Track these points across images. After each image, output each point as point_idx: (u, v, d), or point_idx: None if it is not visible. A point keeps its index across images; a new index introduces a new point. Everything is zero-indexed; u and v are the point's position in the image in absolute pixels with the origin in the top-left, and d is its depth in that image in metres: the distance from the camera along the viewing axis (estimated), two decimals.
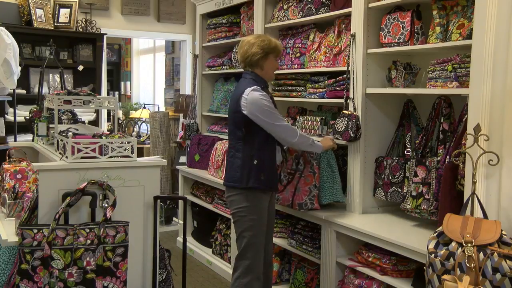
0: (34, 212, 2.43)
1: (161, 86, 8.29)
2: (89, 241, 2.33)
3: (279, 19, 3.88)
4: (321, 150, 3.10)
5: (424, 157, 2.80)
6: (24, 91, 5.47)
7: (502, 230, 2.03)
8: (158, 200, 2.66)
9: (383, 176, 3.05)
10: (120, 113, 7.93)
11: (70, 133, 2.61)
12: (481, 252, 1.98)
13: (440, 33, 2.67)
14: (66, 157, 2.54)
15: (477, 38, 2.26)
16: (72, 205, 2.38)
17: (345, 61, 3.21)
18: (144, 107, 8.28)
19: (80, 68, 5.76)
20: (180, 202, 5.31)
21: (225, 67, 4.62)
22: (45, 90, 5.39)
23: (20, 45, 5.22)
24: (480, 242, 1.99)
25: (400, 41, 2.88)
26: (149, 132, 6.70)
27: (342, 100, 3.21)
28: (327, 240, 3.08)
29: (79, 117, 4.23)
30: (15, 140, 4.89)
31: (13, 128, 5.06)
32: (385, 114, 3.20)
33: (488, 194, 2.22)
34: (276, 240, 3.46)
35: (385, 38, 2.99)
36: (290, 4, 3.80)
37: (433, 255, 2.08)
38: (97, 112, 5.94)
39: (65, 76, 5.30)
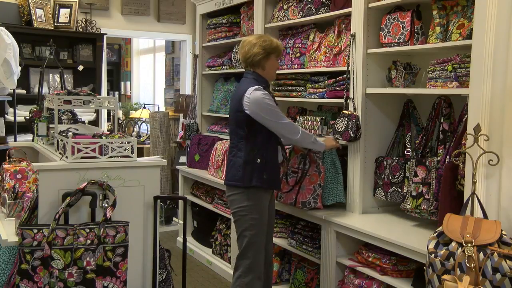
0: (34, 212, 2.43)
1: (161, 86, 8.29)
2: (89, 241, 2.33)
3: (279, 19, 3.88)
4: (323, 149, 3.12)
5: (424, 157, 2.80)
6: (24, 91, 5.47)
7: (502, 230, 2.03)
8: (158, 200, 2.66)
9: (383, 176, 3.05)
10: (120, 113, 7.93)
11: (70, 133, 2.61)
12: (481, 252, 1.98)
13: (440, 33, 2.67)
14: (66, 157, 2.54)
15: (477, 38, 2.26)
16: (72, 205, 2.38)
17: (345, 61, 3.22)
18: (144, 107, 8.28)
19: (80, 68, 5.76)
20: (180, 202, 5.31)
21: (225, 67, 4.62)
22: (45, 90, 5.40)
23: (20, 45, 5.22)
24: (480, 242, 1.99)
25: (400, 41, 2.88)
26: (149, 132, 6.70)
27: (342, 100, 3.21)
28: (327, 240, 3.08)
29: (79, 117, 4.23)
30: (15, 140, 4.89)
31: (13, 128, 5.06)
32: (385, 114, 3.20)
33: (488, 194, 2.22)
34: (276, 240, 3.46)
35: (385, 38, 2.99)
36: (290, 4, 3.81)
37: (433, 255, 2.08)
38: (97, 112, 5.94)
39: (65, 76, 5.30)
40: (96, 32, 5.93)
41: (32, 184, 2.92)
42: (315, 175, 3.18)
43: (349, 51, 3.15)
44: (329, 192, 3.24)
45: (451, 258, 2.02)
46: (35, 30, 5.49)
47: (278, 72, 3.25)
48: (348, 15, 3.22)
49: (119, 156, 2.59)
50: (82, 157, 2.52)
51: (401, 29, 2.87)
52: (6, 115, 5.20)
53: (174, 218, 5.90)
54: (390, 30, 2.95)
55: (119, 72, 9.77)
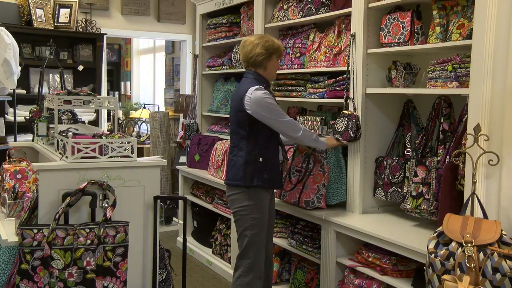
0: (34, 212, 2.43)
1: (161, 86, 8.29)
2: (89, 241, 2.33)
3: (279, 19, 3.88)
4: (325, 147, 3.13)
5: (424, 157, 2.80)
6: (24, 91, 5.47)
7: (502, 230, 2.03)
8: (158, 200, 2.66)
9: (383, 176, 3.05)
10: (120, 113, 7.93)
11: (70, 133, 2.61)
12: (481, 252, 1.98)
13: (440, 33, 2.67)
14: (66, 157, 2.54)
15: (477, 38, 2.26)
16: (72, 205, 2.38)
17: (345, 61, 3.22)
18: (144, 107, 8.28)
19: (80, 68, 5.76)
20: (180, 202, 5.31)
21: (225, 67, 4.62)
22: (45, 90, 5.40)
23: (20, 45, 5.22)
24: (480, 242, 1.99)
25: (400, 41, 2.88)
26: (149, 132, 6.70)
27: (342, 100, 3.21)
28: (327, 240, 3.08)
29: (79, 117, 4.23)
30: (15, 140, 4.89)
31: (13, 128, 5.06)
32: (385, 114, 3.20)
33: (488, 194, 2.22)
34: (276, 240, 3.46)
35: (385, 38, 2.99)
36: (290, 4, 3.81)
37: (433, 255, 2.08)
38: (97, 112, 5.94)
39: (65, 76, 5.30)
40: (96, 32, 5.93)
41: (32, 184, 2.92)
42: (319, 174, 3.18)
43: (349, 51, 3.15)
44: (334, 192, 3.25)
45: (451, 258, 2.02)
46: (35, 30, 5.49)
47: (278, 72, 3.26)
48: (348, 15, 3.22)
49: (119, 156, 2.59)
50: (82, 157, 2.52)
51: (401, 29, 2.87)
52: (6, 115, 5.20)
53: (174, 218, 5.90)
54: (390, 30, 2.95)
55: (119, 72, 9.77)
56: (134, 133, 2.93)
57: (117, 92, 9.49)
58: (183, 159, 5.19)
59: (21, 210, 2.61)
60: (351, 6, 3.16)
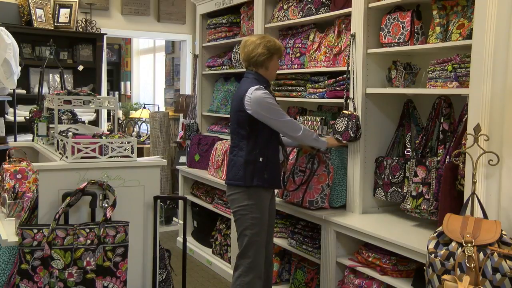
0: (34, 212, 2.43)
1: (161, 86, 8.29)
2: (89, 241, 2.33)
3: (279, 19, 3.88)
4: (325, 146, 3.13)
5: (424, 157, 2.80)
6: (24, 91, 5.47)
7: (502, 230, 2.03)
8: (158, 200, 2.66)
9: (383, 176, 3.05)
10: (120, 113, 7.93)
11: (70, 133, 2.61)
12: (481, 252, 1.98)
13: (440, 33, 2.67)
14: (66, 157, 2.54)
15: (477, 38, 2.26)
16: (72, 205, 2.38)
17: (345, 61, 3.22)
18: (144, 107, 8.28)
19: (80, 68, 5.76)
20: (180, 202, 5.31)
21: (225, 67, 4.62)
22: (45, 90, 5.39)
23: (20, 45, 5.22)
24: (480, 242, 1.99)
25: (400, 41, 2.88)
26: (149, 132, 6.70)
27: (342, 100, 3.21)
28: (327, 240, 3.08)
29: (79, 117, 4.23)
30: (15, 140, 4.89)
31: (13, 128, 5.06)
32: (385, 114, 3.20)
33: (488, 194, 2.22)
34: (276, 240, 3.46)
35: (385, 38, 2.99)
36: (290, 4, 3.81)
37: (433, 255, 2.08)
38: (97, 112, 5.94)
39: (65, 76, 5.30)
40: (96, 32, 5.93)
41: (32, 184, 2.92)
42: (324, 175, 3.18)
43: (349, 51, 3.15)
44: (338, 194, 3.25)
45: (451, 258, 2.02)
46: (35, 30, 5.49)
47: (278, 72, 3.27)
48: (348, 15, 3.22)
49: (119, 156, 2.59)
50: (82, 157, 2.52)
51: (401, 29, 2.87)
52: (6, 115, 5.20)
53: (174, 218, 5.90)
54: (390, 30, 2.95)
55: (119, 72, 9.76)
56: (134, 133, 2.93)
57: (117, 92, 9.49)
58: (183, 159, 5.19)
59: (21, 210, 2.61)
60: (351, 6, 3.16)
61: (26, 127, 4.68)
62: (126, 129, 7.83)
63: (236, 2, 4.41)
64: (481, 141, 2.21)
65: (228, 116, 3.92)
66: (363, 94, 3.11)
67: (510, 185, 2.18)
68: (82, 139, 2.57)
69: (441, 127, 2.74)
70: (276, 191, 3.28)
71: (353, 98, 3.15)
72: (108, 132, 2.85)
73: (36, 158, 3.47)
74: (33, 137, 3.55)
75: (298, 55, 3.69)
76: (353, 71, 3.13)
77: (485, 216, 2.14)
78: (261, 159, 2.91)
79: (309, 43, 3.63)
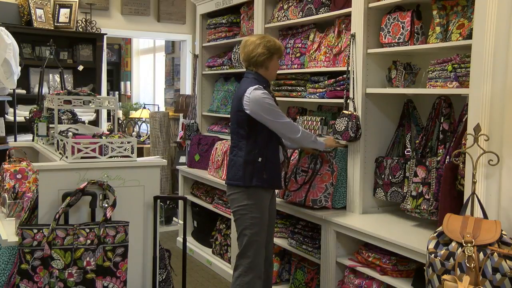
0: (34, 212, 2.43)
1: (161, 86, 8.29)
2: (89, 241, 2.33)
3: (279, 19, 3.88)
4: (324, 148, 3.13)
5: (424, 157, 2.80)
6: (24, 91, 5.47)
7: (502, 230, 2.03)
8: (158, 200, 2.66)
9: (383, 176, 3.05)
10: (120, 113, 7.93)
11: (70, 133, 2.61)
12: (481, 252, 1.98)
13: (440, 33, 2.67)
14: (66, 157, 2.54)
15: (477, 38, 2.26)
16: (72, 205, 2.38)
17: (345, 61, 3.22)
18: (144, 107, 8.28)
19: (80, 68, 5.76)
20: (180, 202, 5.31)
21: (225, 67, 4.62)
22: (45, 90, 5.39)
23: (20, 45, 5.22)
24: (480, 242, 1.99)
25: (400, 41, 2.88)
26: (149, 132, 6.70)
27: (342, 100, 3.21)
28: (327, 240, 3.08)
29: (79, 117, 4.23)
30: (15, 140, 4.89)
31: (13, 128, 5.06)
32: (385, 114, 3.20)
33: (488, 194, 2.22)
34: (276, 240, 3.46)
35: (385, 38, 2.99)
36: (290, 4, 3.81)
37: (433, 255, 2.08)
38: (97, 112, 5.94)
39: (65, 76, 5.30)
40: (96, 32, 5.93)
41: (32, 184, 2.92)
42: (327, 174, 3.18)
43: (349, 51, 3.15)
44: (340, 196, 3.24)
45: (451, 258, 2.02)
46: (35, 30, 5.49)
47: (278, 72, 3.26)
48: (348, 15, 3.22)
49: (119, 156, 2.59)
50: (82, 157, 2.52)
51: (401, 29, 2.87)
52: (6, 115, 5.20)
53: (174, 218, 5.90)
54: (390, 30, 2.95)
55: (119, 72, 9.76)
56: (134, 133, 2.93)
57: (117, 92, 9.49)
58: (183, 159, 5.19)
59: (21, 210, 2.61)
60: (351, 6, 3.16)
61: (26, 127, 4.68)
62: (126, 129, 7.83)
63: (236, 2, 4.41)
64: (481, 141, 2.21)
65: (228, 116, 3.92)
66: (363, 94, 3.11)
67: (510, 185, 2.18)
68: (82, 139, 2.57)
69: (441, 127, 2.74)
70: (277, 191, 3.28)
71: (353, 98, 3.14)
72: (108, 132, 2.85)
73: (36, 158, 3.47)
74: (33, 137, 3.55)
75: (298, 55, 3.69)
76: (353, 71, 3.13)
77: (485, 216, 2.14)
78: (260, 159, 2.91)
79: (309, 43, 3.63)
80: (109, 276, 2.35)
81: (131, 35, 7.45)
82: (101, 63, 6.03)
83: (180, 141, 5.36)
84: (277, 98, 3.35)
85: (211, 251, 4.52)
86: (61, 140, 2.70)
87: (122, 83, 9.67)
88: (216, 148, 4.34)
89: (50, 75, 5.70)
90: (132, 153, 2.62)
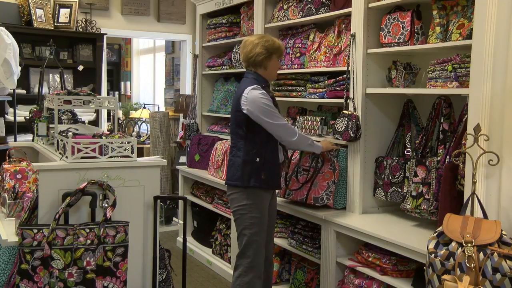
0: (34, 212, 2.43)
1: (161, 86, 8.29)
2: (89, 241, 2.33)
3: (279, 19, 3.88)
4: (320, 151, 3.12)
5: (424, 157, 2.80)
6: (24, 91, 5.47)
7: (502, 230, 2.03)
8: (158, 200, 2.66)
9: (383, 176, 3.05)
10: (120, 113, 7.93)
11: (70, 133, 2.61)
12: (481, 252, 1.98)
13: (440, 33, 2.67)
14: (66, 157, 2.54)
15: (477, 38, 2.26)
16: (72, 205, 2.38)
17: (345, 61, 3.21)
18: (144, 107, 8.28)
19: (80, 68, 5.76)
20: (180, 202, 5.31)
21: (225, 67, 4.62)
22: (45, 90, 5.39)
23: (20, 45, 5.22)
24: (480, 242, 1.99)
25: (400, 41, 2.88)
26: (149, 132, 6.70)
27: (342, 100, 3.21)
28: (327, 240, 3.08)
29: (79, 117, 4.23)
30: (15, 140, 4.89)
31: (13, 128, 5.06)
32: (385, 114, 3.20)
33: (488, 194, 2.22)
34: (276, 240, 3.46)
35: (385, 38, 2.99)
36: (290, 4, 3.81)
37: (433, 255, 2.08)
38: (97, 112, 5.94)
39: (65, 76, 5.30)
40: (96, 32, 5.93)
41: (32, 184, 2.92)
42: (329, 172, 3.18)
43: (349, 51, 3.15)
44: (341, 196, 3.24)
45: (451, 258, 2.02)
46: (35, 30, 5.49)
47: (278, 72, 3.25)
48: (348, 15, 3.22)
49: (119, 156, 2.59)
50: (82, 157, 2.52)
51: (401, 29, 2.87)
52: (6, 115, 5.20)
53: (174, 218, 5.90)
54: (390, 30, 2.95)
55: (119, 72, 9.76)
56: (134, 133, 2.93)
57: (117, 92, 9.49)
58: (183, 159, 5.19)
59: (21, 210, 2.61)
60: (351, 6, 3.16)
61: (26, 127, 4.68)
62: (126, 129, 7.83)
63: (236, 2, 4.41)
64: (481, 141, 2.21)
65: (228, 116, 3.92)
66: (363, 94, 3.11)
67: (510, 185, 2.18)
68: (82, 139, 2.57)
69: (441, 127, 2.74)
70: (278, 190, 3.27)
71: (353, 98, 3.14)
72: (108, 132, 2.84)
73: (36, 158, 3.47)
74: (33, 137, 3.55)
75: (298, 55, 3.69)
76: (353, 71, 3.13)
77: (485, 216, 2.14)
78: (258, 159, 2.90)
79: (309, 43, 3.63)
80: (109, 276, 2.35)
81: (131, 35, 7.45)
82: (101, 63, 6.03)
83: (180, 141, 5.36)
84: (277, 98, 3.36)
85: (211, 251, 4.52)
86: (61, 140, 2.70)
87: (122, 83, 9.67)
88: (216, 148, 4.34)
89: (50, 75, 5.70)
90: (132, 153, 2.62)
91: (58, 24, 5.69)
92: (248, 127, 2.91)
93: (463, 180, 2.39)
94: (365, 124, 3.12)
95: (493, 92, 2.20)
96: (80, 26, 5.87)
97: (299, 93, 3.66)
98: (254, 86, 2.89)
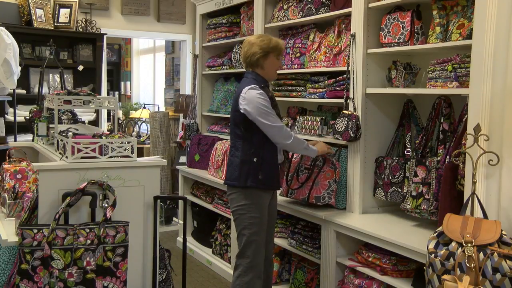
0: (34, 212, 2.43)
1: (161, 86, 8.29)
2: (89, 241, 2.33)
3: (279, 19, 3.88)
4: (316, 155, 3.10)
5: (424, 157, 2.80)
6: (24, 91, 5.47)
7: (502, 230, 2.03)
8: (158, 200, 2.66)
9: (383, 176, 3.05)
10: (120, 113, 7.93)
11: (70, 133, 2.61)
12: (481, 252, 1.98)
13: (440, 33, 2.67)
14: (66, 157, 2.54)
15: (477, 38, 2.26)
16: (72, 205, 2.38)
17: (345, 61, 3.21)
18: (144, 107, 8.28)
19: (80, 68, 5.76)
20: (180, 202, 5.31)
21: (225, 67, 4.62)
22: (45, 90, 5.39)
23: (20, 45, 5.22)
24: (480, 242, 1.99)
25: (400, 41, 2.88)
26: (149, 132, 6.70)
27: (342, 100, 3.21)
28: (327, 240, 3.08)
29: (79, 117, 4.23)
30: (15, 140, 4.89)
31: (13, 128, 5.06)
32: (385, 114, 3.20)
33: (488, 194, 2.22)
34: (276, 240, 3.45)
35: (385, 38, 2.99)
36: (290, 4, 3.81)
37: (433, 255, 2.08)
38: (97, 112, 5.94)
39: (65, 76, 5.30)
40: (96, 32, 5.93)
41: (32, 184, 2.92)
42: (330, 171, 3.18)
43: (349, 51, 3.15)
44: (344, 196, 3.24)
45: (451, 258, 2.02)
46: (35, 30, 5.49)
47: (278, 72, 3.23)
48: (348, 15, 3.22)
49: (119, 156, 2.59)
50: (82, 157, 2.52)
51: (401, 29, 2.87)
52: (6, 115, 5.20)
53: (174, 218, 5.90)
54: (390, 30, 2.95)
55: (119, 72, 9.76)
56: (134, 133, 2.93)
57: (117, 92, 9.49)
58: (183, 159, 5.19)
59: (21, 210, 2.61)
60: (351, 6, 3.16)
61: (26, 127, 4.68)
62: (126, 129, 7.83)
63: (236, 2, 4.41)
64: (481, 141, 2.21)
65: (228, 116, 3.92)
66: (363, 94, 3.11)
67: (510, 185, 2.18)
68: (82, 139, 2.57)
69: (441, 127, 2.74)
70: (280, 190, 3.26)
71: (353, 98, 3.14)
72: (108, 132, 2.85)
73: (36, 158, 3.47)
74: (33, 137, 3.55)
75: (298, 55, 3.69)
76: (353, 71, 3.13)
77: (485, 216, 2.14)
78: (255, 159, 2.90)
79: (309, 43, 3.63)
80: (109, 276, 2.35)
81: (131, 35, 7.45)
82: (101, 63, 6.03)
83: (180, 141, 5.36)
84: (277, 98, 3.35)
85: (211, 251, 4.52)
86: (61, 140, 2.70)
87: (122, 83, 9.67)
88: (216, 148, 4.34)
89: (50, 75, 5.70)
90: (132, 153, 2.62)
91: (58, 24, 5.69)
92: (246, 127, 2.91)
93: (463, 180, 2.39)
94: (365, 124, 3.12)
95: (493, 92, 2.20)
96: (80, 26, 5.87)
97: (299, 93, 3.66)
98: (252, 86, 2.89)
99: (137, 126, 8.00)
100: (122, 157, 2.60)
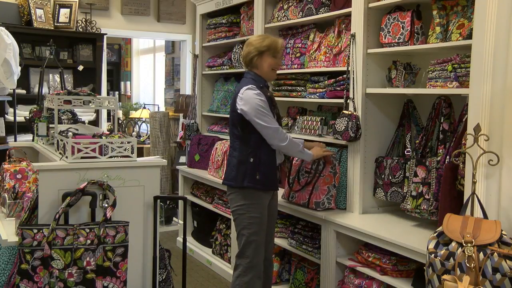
0: (34, 212, 2.43)
1: (161, 86, 8.29)
2: (89, 241, 2.33)
3: (279, 19, 3.88)
4: (311, 159, 3.08)
5: (424, 157, 2.80)
6: (24, 91, 5.47)
7: (502, 230, 2.03)
8: (158, 200, 2.66)
9: (383, 176, 3.05)
10: (120, 113, 7.93)
11: (70, 133, 2.61)
12: (481, 252, 1.98)
13: (440, 33, 2.67)
14: (66, 157, 2.54)
15: (477, 38, 2.26)
16: (72, 205, 2.38)
17: (345, 61, 3.21)
18: (144, 107, 8.28)
19: (80, 68, 5.76)
20: (180, 202, 5.31)
21: (225, 67, 4.62)
22: (45, 90, 5.40)
23: (20, 45, 5.22)
24: (480, 242, 1.99)
25: (400, 41, 2.88)
26: (149, 132, 6.70)
27: (342, 100, 3.21)
28: (327, 240, 3.08)
29: (79, 117, 4.23)
30: (15, 140, 4.89)
31: (13, 128, 5.06)
32: (385, 114, 3.20)
33: (488, 194, 2.22)
34: (276, 240, 3.45)
35: (385, 38, 2.99)
36: (290, 4, 3.81)
37: (433, 255, 2.08)
38: (97, 112, 5.94)
39: (65, 76, 5.30)
40: (96, 32, 5.93)
41: (32, 184, 2.92)
42: (330, 175, 3.18)
43: (349, 51, 3.15)
44: (344, 196, 3.24)
45: (451, 258, 2.02)
46: (35, 30, 5.49)
47: (278, 72, 3.21)
48: (348, 15, 3.22)
49: (119, 156, 2.59)
50: (82, 157, 2.52)
51: (401, 29, 2.87)
52: (6, 115, 5.20)
53: (174, 218, 5.90)
54: (390, 30, 2.95)
55: (119, 72, 9.76)
56: (134, 133, 2.93)
57: (117, 92, 9.49)
58: (183, 159, 5.19)
59: (21, 210, 2.61)
60: (351, 6, 3.16)
61: (26, 127, 4.68)
62: (126, 129, 7.83)
63: (236, 2, 4.41)
64: (481, 141, 2.20)
65: (228, 116, 3.92)
66: (363, 94, 3.11)
67: (510, 185, 2.18)
68: (82, 139, 2.57)
69: (441, 127, 2.74)
70: (282, 191, 3.26)
71: (353, 98, 3.14)
72: (108, 132, 2.84)
73: (36, 158, 3.47)
74: (33, 137, 3.55)
75: (298, 55, 3.69)
76: (353, 71, 3.13)
77: (485, 216, 2.14)
78: (252, 159, 2.89)
79: (309, 43, 3.63)
80: (109, 276, 2.35)
81: (131, 35, 7.45)
82: (101, 63, 6.03)
83: (180, 141, 5.36)
84: (277, 98, 3.36)
85: (211, 251, 4.52)
86: (61, 140, 2.70)
87: (122, 83, 9.67)
88: (216, 148, 4.34)
89: (50, 75, 5.70)
90: (132, 153, 2.62)
91: (58, 24, 5.69)
92: (243, 127, 2.91)
93: (463, 180, 2.39)
94: (365, 124, 3.12)
95: (493, 92, 2.20)
96: (80, 26, 5.87)
97: (299, 93, 3.66)
98: (250, 86, 2.89)
99: (137, 126, 8.00)
100: (122, 157, 2.60)
